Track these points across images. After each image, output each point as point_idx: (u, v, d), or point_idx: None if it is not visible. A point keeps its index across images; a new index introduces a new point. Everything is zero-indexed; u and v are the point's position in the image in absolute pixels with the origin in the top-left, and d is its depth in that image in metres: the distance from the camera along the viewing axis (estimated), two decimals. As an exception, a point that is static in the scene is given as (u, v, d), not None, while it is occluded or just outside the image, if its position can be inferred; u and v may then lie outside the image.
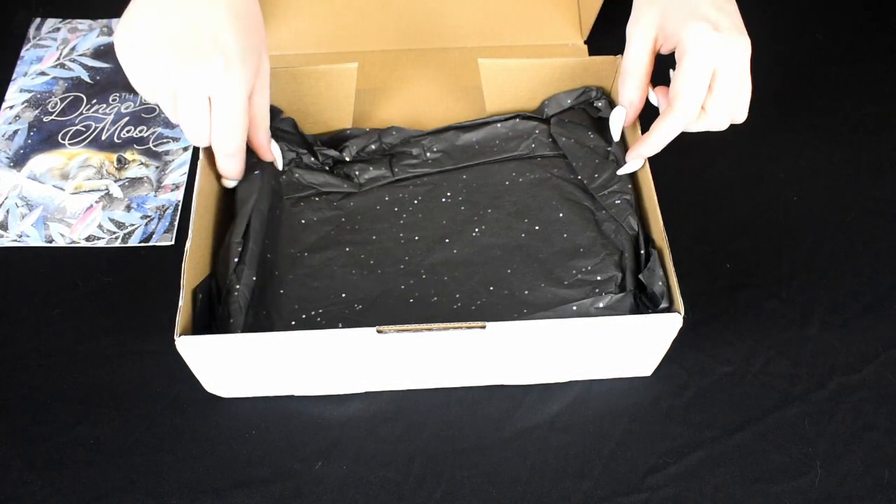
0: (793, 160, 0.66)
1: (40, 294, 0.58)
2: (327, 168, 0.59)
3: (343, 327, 0.49)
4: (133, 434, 0.52)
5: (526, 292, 0.52)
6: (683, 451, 0.52)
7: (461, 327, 0.46)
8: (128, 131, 0.66)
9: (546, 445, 0.52)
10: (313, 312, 0.52)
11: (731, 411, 0.53)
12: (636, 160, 0.53)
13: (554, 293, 0.52)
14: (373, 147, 0.60)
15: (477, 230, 0.56)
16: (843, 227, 0.62)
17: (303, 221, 0.56)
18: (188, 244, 0.48)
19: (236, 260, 0.51)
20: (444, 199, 0.58)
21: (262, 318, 0.51)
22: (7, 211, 0.62)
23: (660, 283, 0.49)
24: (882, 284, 0.59)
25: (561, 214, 0.56)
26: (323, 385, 0.53)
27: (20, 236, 0.60)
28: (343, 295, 0.53)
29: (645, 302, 0.51)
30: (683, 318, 0.47)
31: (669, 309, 0.49)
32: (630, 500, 0.50)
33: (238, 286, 0.50)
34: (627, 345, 0.50)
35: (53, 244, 0.60)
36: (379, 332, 0.46)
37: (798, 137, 0.67)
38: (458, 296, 0.53)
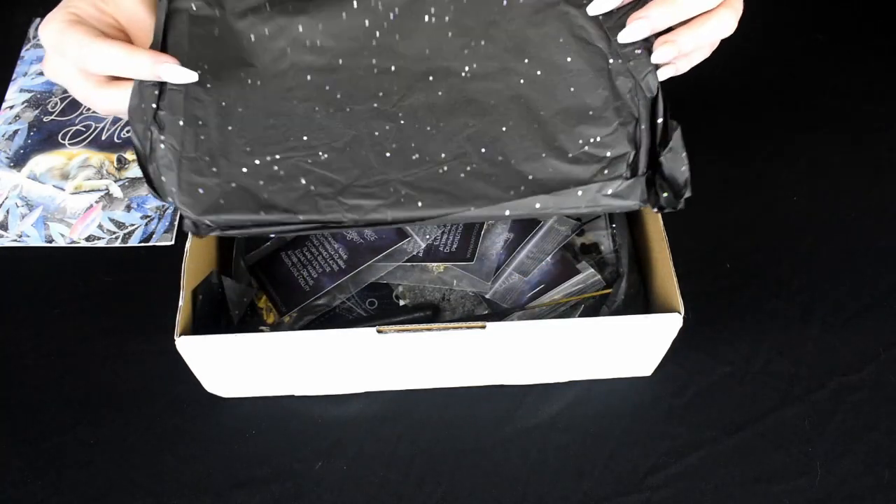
0: (793, 160, 0.66)
1: (40, 294, 0.58)
2: None
3: (305, 182, 0.44)
4: (133, 434, 0.52)
5: (524, 162, 0.45)
6: (683, 451, 0.52)
7: (461, 327, 0.46)
8: (128, 131, 0.66)
9: (546, 445, 0.52)
10: (269, 158, 0.44)
11: (731, 411, 0.53)
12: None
13: (556, 168, 0.45)
14: None
15: (467, 69, 0.47)
16: (843, 227, 0.62)
17: (252, 38, 0.46)
18: (188, 244, 0.48)
19: (154, 106, 0.43)
20: (427, 18, 0.47)
21: (204, 166, 0.43)
22: (7, 211, 0.62)
23: (683, 168, 0.44)
24: (882, 284, 0.59)
25: (569, 59, 0.47)
26: (323, 385, 0.53)
27: (20, 236, 0.60)
28: (304, 138, 0.45)
29: (663, 187, 0.45)
30: (683, 318, 0.47)
31: (672, 311, 0.49)
32: (630, 500, 0.50)
33: (162, 137, 0.43)
34: (627, 345, 0.50)
35: (53, 244, 0.60)
36: (379, 332, 0.46)
37: (798, 137, 0.67)
38: (443, 155, 0.45)
